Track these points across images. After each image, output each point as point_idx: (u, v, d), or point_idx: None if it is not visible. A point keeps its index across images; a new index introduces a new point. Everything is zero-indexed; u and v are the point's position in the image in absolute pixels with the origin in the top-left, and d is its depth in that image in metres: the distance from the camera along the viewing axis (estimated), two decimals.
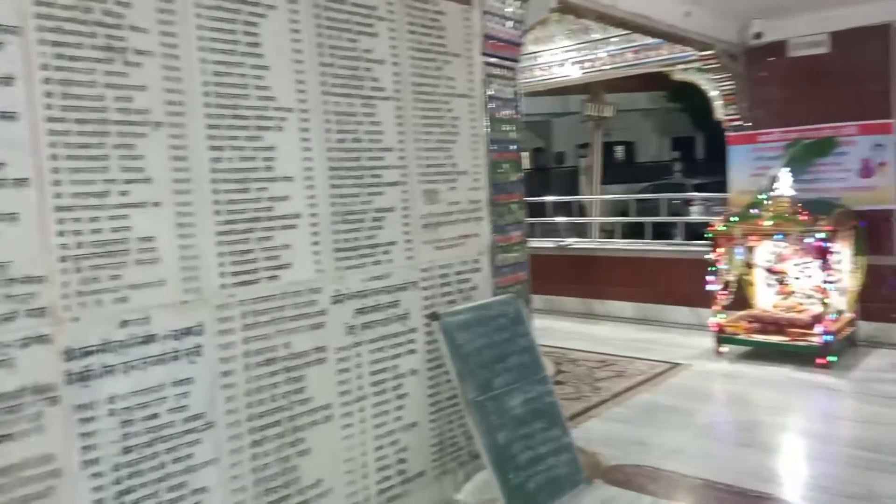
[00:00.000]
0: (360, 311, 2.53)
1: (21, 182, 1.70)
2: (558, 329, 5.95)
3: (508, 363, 2.78)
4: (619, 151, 19.31)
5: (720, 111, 5.75)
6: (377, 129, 2.59)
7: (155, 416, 1.94)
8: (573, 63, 6.70)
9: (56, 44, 1.76)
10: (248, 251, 2.19)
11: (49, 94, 1.74)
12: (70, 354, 1.77)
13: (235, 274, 2.15)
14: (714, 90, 5.74)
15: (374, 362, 2.57)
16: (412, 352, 2.71)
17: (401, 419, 2.65)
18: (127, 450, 1.88)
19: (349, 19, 2.48)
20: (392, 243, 2.64)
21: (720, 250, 4.93)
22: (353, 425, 2.48)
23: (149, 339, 1.93)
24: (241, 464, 2.14)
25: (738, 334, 4.89)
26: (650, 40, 5.76)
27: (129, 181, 1.90)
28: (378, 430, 2.56)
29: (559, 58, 6.76)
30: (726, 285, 4.97)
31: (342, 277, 2.47)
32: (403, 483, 2.65)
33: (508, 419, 2.67)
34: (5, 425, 1.66)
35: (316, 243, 2.39)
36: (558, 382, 4.30)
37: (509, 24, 3.15)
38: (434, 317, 2.70)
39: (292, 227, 2.31)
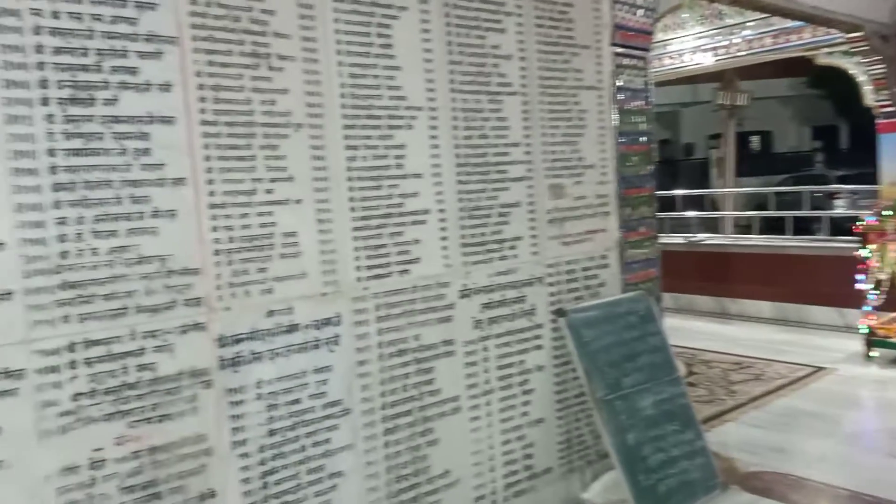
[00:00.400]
0: (487, 306, 2.55)
1: (179, 181, 1.84)
2: (689, 328, 5.73)
3: (638, 362, 2.70)
4: (755, 142, 18.27)
5: (869, 97, 5.31)
6: (503, 125, 2.60)
7: (297, 401, 2.05)
8: (705, 50, 6.41)
9: (208, 52, 1.89)
10: (381, 246, 2.26)
11: (203, 100, 1.88)
12: (222, 341, 1.91)
13: (370, 268, 2.23)
14: (862, 75, 5.30)
15: (501, 357, 2.58)
16: (538, 347, 2.70)
17: (527, 415, 2.64)
18: (272, 432, 2.00)
19: (477, 16, 2.50)
20: (518, 238, 2.64)
21: (871, 246, 4.56)
22: (480, 418, 2.50)
23: (292, 329, 2.04)
24: (374, 450, 2.22)
25: (891, 337, 4.51)
26: (791, 23, 5.41)
27: (273, 180, 2.01)
28: (505, 424, 2.57)
29: (690, 45, 6.49)
30: (878, 284, 4.59)
31: (469, 272, 2.50)
32: (530, 478, 2.64)
33: (639, 420, 2.60)
34: (165, 406, 1.82)
35: (444, 238, 2.43)
36: (690, 384, 4.14)
37: (640, 12, 3.06)
38: (560, 313, 2.68)
39: (421, 222, 2.37)
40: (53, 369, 1.66)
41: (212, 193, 1.90)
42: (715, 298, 6.41)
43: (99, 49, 1.71)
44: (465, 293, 2.49)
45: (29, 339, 1.63)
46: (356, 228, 2.21)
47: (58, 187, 1.66)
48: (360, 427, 2.19)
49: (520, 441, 2.62)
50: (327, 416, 2.12)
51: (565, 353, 2.70)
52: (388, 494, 2.25)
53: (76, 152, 1.68)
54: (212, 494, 1.87)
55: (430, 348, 2.38)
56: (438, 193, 2.41)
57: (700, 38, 6.36)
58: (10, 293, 1.60)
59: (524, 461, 2.63)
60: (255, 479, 1.96)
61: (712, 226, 7.83)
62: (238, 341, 1.94)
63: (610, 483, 2.74)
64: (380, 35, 2.26)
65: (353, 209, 2.20)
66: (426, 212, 2.38)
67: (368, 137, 2.23)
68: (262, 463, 1.97)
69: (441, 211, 2.41)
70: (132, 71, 1.76)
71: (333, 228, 2.15)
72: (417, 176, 2.35)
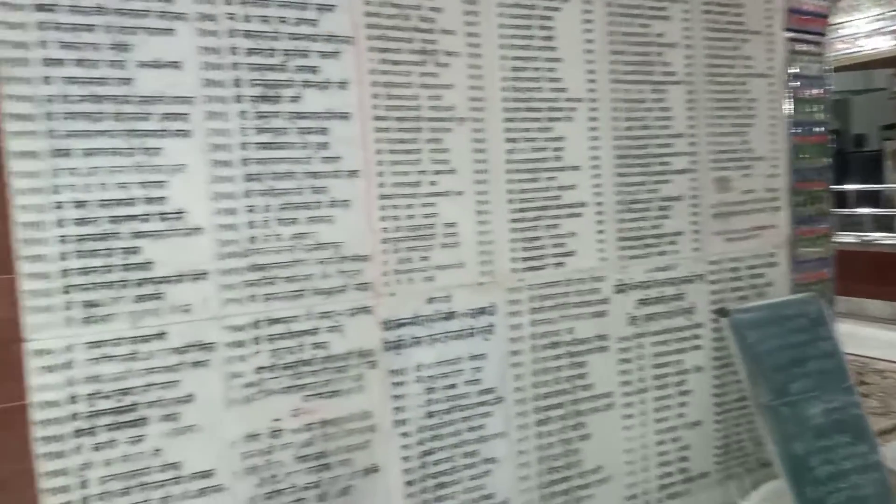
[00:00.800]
0: (643, 302, 2.49)
1: (353, 173, 1.95)
2: (860, 335, 5.29)
3: (807, 368, 2.54)
4: None
5: None
6: (666, 115, 2.52)
7: (453, 386, 2.11)
8: (884, 33, 5.87)
9: (381, 50, 1.99)
10: (537, 238, 2.28)
11: (375, 96, 1.98)
12: (387, 325, 2.01)
13: (525, 259, 2.25)
14: None
15: (657, 355, 2.52)
16: (697, 348, 2.60)
17: (683, 416, 2.56)
18: (430, 414, 2.07)
19: (641, 4, 2.44)
20: (678, 233, 2.56)
21: None
22: (633, 416, 2.46)
23: (450, 316, 2.11)
24: (526, 440, 2.25)
25: None
26: None
27: (437, 172, 2.08)
28: (659, 424, 2.51)
29: (866, 28, 5.98)
30: None
31: (625, 267, 2.46)
32: (685, 482, 2.56)
33: (806, 429, 2.44)
34: (336, 382, 1.94)
35: (600, 232, 2.40)
36: (862, 395, 3.83)
37: None
38: (722, 313, 2.56)
39: (578, 215, 2.35)
40: (240, 344, 1.82)
41: (381, 185, 1.99)
42: (890, 303, 5.86)
43: (285, 50, 1.85)
44: (621, 288, 2.45)
45: (220, 316, 1.80)
46: (513, 220, 2.23)
47: (249, 178, 1.81)
48: (512, 416, 2.23)
49: (675, 443, 2.54)
50: (481, 403, 2.17)
51: (726, 355, 2.59)
52: (540, 484, 2.27)
53: (265, 146, 1.83)
54: (375, 469, 1.98)
55: (584, 342, 2.37)
56: (596, 186, 2.38)
57: (878, 20, 5.84)
58: (205, 273, 1.78)
59: (679, 463, 2.55)
60: (415, 458, 2.05)
61: (888, 224, 7.16)
62: (401, 325, 2.03)
63: (770, 493, 2.59)
64: (542, 27, 2.26)
65: (510, 201, 2.23)
66: (583, 204, 2.36)
67: (527, 130, 2.25)
68: (421, 443, 2.06)
69: (598, 204, 2.39)
70: (313, 70, 1.89)
71: (491, 220, 2.19)
72: (575, 168, 2.34)
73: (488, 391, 2.18)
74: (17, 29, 1.56)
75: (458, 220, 2.12)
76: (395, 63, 2.01)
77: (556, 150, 2.31)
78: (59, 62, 1.60)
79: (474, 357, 2.16)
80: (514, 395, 2.23)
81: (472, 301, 2.15)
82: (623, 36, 2.41)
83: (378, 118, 1.98)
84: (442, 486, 2.10)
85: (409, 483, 2.04)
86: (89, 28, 1.62)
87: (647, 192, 2.49)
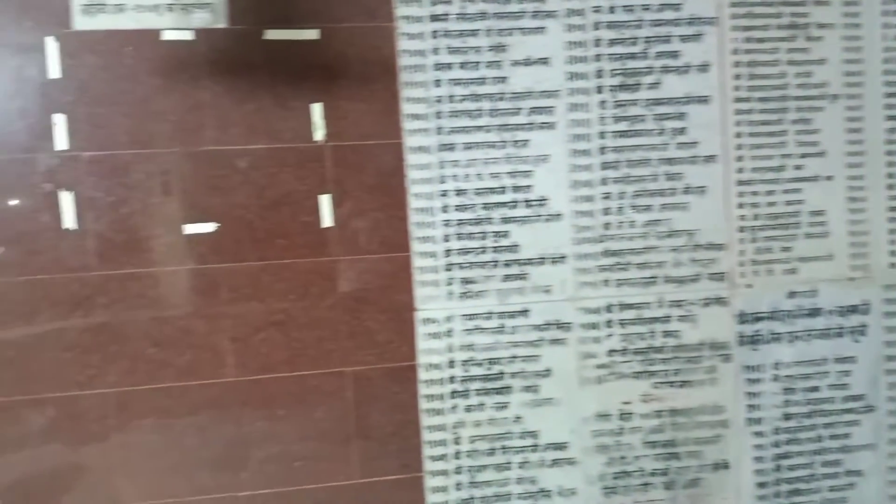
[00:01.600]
0: None
1: (710, 159, 1.89)
2: None
3: None
4: None
5: None
6: None
7: (815, 389, 1.95)
8: None
9: (746, 28, 1.89)
10: None
11: (737, 77, 1.89)
12: (742, 318, 1.92)
13: None
14: None
15: None
16: None
17: None
18: (787, 416, 1.94)
19: None
20: None
21: None
22: None
23: (814, 313, 1.95)
24: None
25: None
26: None
27: (803, 155, 1.92)
28: None
29: None
30: None
31: None
32: None
33: None
34: (686, 373, 1.91)
35: None
36: None
37: None
38: None
39: None
40: (593, 326, 1.89)
41: (740, 170, 1.91)
42: None
43: (646, 37, 1.86)
44: None
45: (576, 298, 1.88)
46: (893, 208, 1.97)
47: (605, 166, 1.87)
48: (884, 427, 1.99)
49: None
50: (847, 410, 1.97)
51: None
52: None
53: (621, 134, 1.87)
54: (725, 465, 1.92)
55: None
56: None
57: None
58: (563, 257, 1.87)
59: None
60: (768, 460, 1.94)
61: None
62: (758, 319, 1.93)
63: None
64: None
65: (890, 187, 1.97)
66: None
67: None
68: (776, 445, 1.94)
69: None
70: (673, 55, 1.87)
71: (867, 207, 1.96)
72: None
73: (856, 398, 1.97)
74: (416, 39, 1.80)
75: (826, 207, 1.94)
76: (760, 41, 1.90)
77: None
78: (447, 66, 1.81)
79: (841, 360, 1.96)
80: (888, 404, 1.99)
81: (840, 297, 1.96)
82: None
83: (739, 100, 1.89)
84: (797, 492, 1.96)
85: (761, 485, 1.94)
86: (473, 33, 1.80)
87: None
